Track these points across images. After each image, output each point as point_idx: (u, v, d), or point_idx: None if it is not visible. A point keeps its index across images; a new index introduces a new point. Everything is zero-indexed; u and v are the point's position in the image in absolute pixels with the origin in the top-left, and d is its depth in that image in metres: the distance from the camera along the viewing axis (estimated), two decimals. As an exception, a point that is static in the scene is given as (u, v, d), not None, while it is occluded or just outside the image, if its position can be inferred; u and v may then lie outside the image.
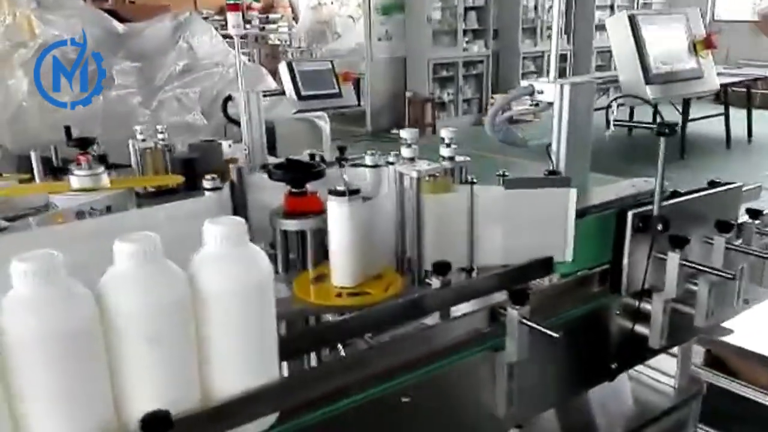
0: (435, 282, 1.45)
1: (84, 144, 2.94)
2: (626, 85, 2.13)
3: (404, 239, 1.61)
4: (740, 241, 1.74)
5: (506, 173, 1.62)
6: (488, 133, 1.97)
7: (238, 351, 0.97)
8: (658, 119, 1.64)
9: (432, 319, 1.47)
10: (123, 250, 0.88)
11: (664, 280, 1.55)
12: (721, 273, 1.49)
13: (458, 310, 1.53)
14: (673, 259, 1.52)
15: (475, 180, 1.57)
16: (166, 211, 1.46)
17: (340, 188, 1.46)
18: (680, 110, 7.62)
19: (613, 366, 1.61)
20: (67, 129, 3.47)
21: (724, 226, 1.62)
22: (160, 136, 3.11)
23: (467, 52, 10.99)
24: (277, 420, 1.04)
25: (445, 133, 1.68)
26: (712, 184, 1.76)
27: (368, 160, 1.78)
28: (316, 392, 1.10)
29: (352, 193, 1.46)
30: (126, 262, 0.89)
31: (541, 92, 1.93)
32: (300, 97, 3.51)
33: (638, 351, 1.63)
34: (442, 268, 1.45)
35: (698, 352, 1.91)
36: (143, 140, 3.15)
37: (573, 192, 1.59)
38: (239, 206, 1.71)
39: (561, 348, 1.49)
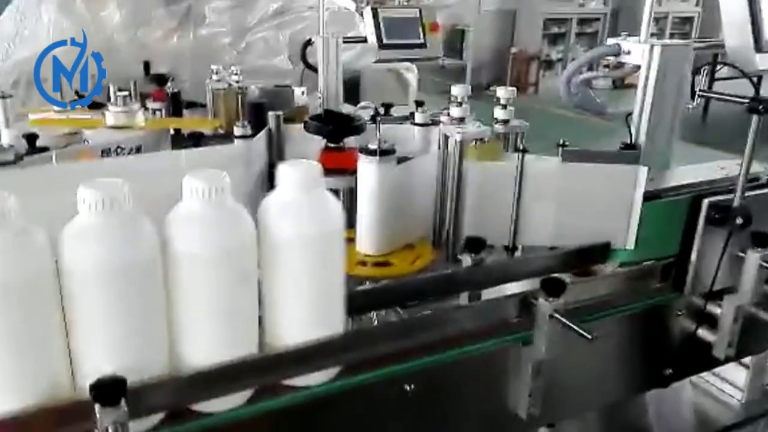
0: (466, 259, 1.31)
1: (160, 80, 2.93)
2: (733, 52, 1.84)
3: (443, 209, 1.47)
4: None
5: (566, 143, 1.43)
6: (562, 97, 1.76)
7: (307, 299, 0.96)
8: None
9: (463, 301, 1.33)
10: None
11: (739, 282, 1.32)
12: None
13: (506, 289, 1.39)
14: (753, 259, 1.29)
15: (527, 148, 1.38)
16: (190, 157, 1.38)
17: (372, 146, 1.33)
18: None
19: (668, 372, 1.41)
20: (146, 64, 3.49)
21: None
22: (234, 78, 3.07)
23: (584, 7, 10.33)
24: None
25: (501, 92, 1.49)
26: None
27: (418, 118, 1.63)
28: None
29: (385, 153, 1.32)
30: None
31: (629, 53, 1.68)
32: (381, 45, 3.35)
33: (700, 359, 1.42)
34: (475, 244, 1.31)
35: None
36: (218, 81, 3.13)
37: (643, 170, 1.38)
38: (275, 157, 1.62)
39: (606, 346, 1.32)
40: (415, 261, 1.38)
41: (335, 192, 1.52)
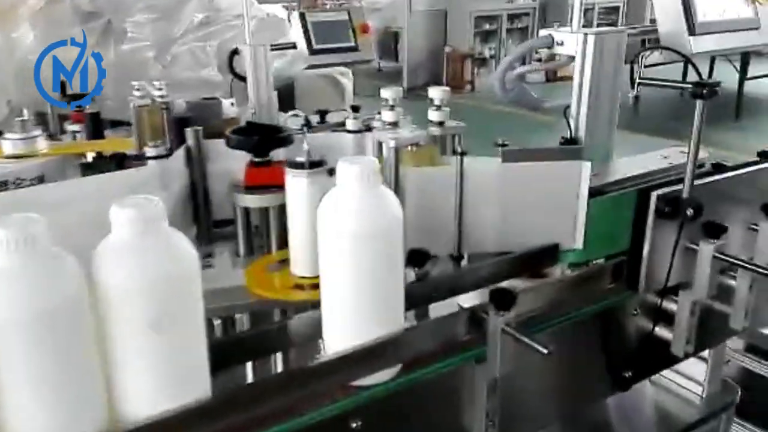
0: (409, 274, 1.21)
1: (77, 100, 2.74)
2: (666, 36, 1.81)
3: (383, 219, 1.37)
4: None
5: (506, 142, 1.36)
6: (497, 93, 1.69)
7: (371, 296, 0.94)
8: (707, 79, 1.34)
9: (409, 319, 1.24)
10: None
11: (694, 276, 1.27)
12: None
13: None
14: (707, 251, 1.24)
15: (465, 150, 1.30)
16: (96, 183, 1.24)
17: (300, 158, 1.22)
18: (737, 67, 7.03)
19: (628, 375, 1.35)
20: (62, 84, 3.29)
21: (773, 211, 1.32)
22: (157, 93, 2.92)
23: (512, 3, 10.44)
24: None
25: (434, 93, 1.40)
26: (763, 155, 1.45)
27: (350, 125, 1.53)
28: (241, 419, 0.89)
29: (314, 165, 1.21)
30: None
31: (562, 44, 1.62)
32: (312, 51, 3.25)
33: (659, 358, 1.37)
34: (418, 257, 1.21)
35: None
36: (141, 97, 2.97)
37: (586, 166, 1.31)
38: (198, 177, 1.49)
39: (562, 355, 1.25)
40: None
41: (264, 210, 1.41)
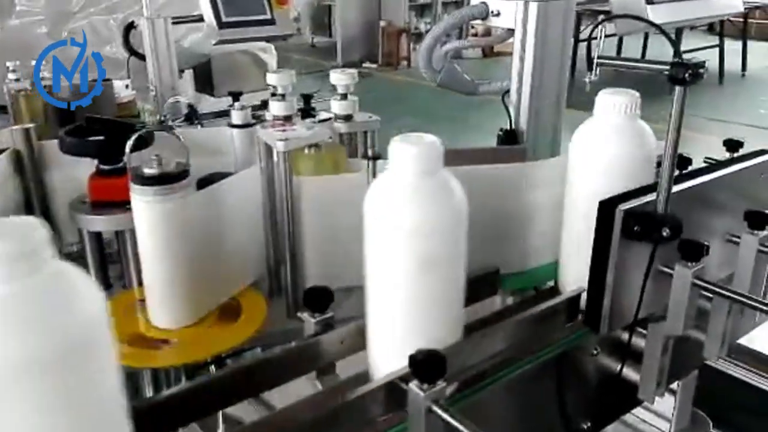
0: (307, 321, 0.91)
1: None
2: (620, 5, 1.54)
3: (277, 244, 1.05)
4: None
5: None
6: (422, 73, 1.38)
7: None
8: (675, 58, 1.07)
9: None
10: None
11: (666, 305, 1.01)
12: (757, 305, 0.95)
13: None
14: (684, 276, 0.97)
15: (379, 152, 0.99)
16: None
17: (148, 170, 0.89)
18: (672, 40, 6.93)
19: (586, 426, 1.09)
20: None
21: (758, 219, 1.07)
22: (43, 74, 2.54)
23: (447, -25, 10.15)
24: None
25: (336, 77, 1.08)
26: (730, 145, 1.21)
27: (236, 117, 1.20)
28: None
29: (165, 179, 0.89)
30: None
31: (497, 14, 1.33)
32: (221, 24, 2.86)
33: (624, 402, 1.11)
34: (318, 298, 0.91)
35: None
36: (16, 80, 2.57)
37: (532, 169, 1.03)
38: (33, 189, 1.14)
39: (509, 414, 0.98)
40: (237, 329, 0.96)
41: (119, 235, 1.08)
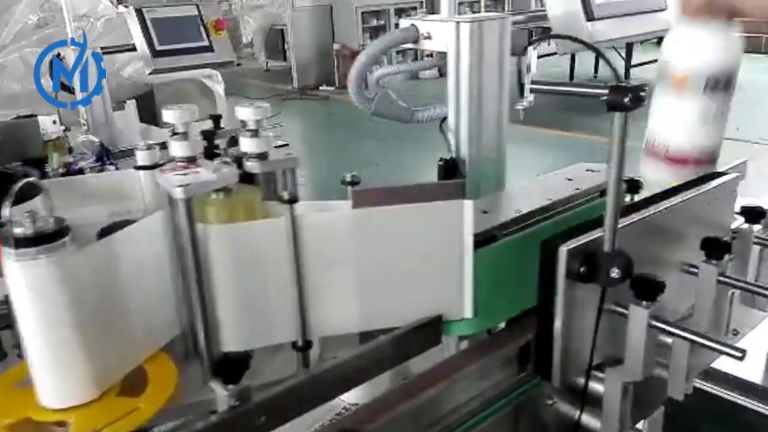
0: (219, 393, 0.79)
1: None
2: (559, 22, 1.47)
3: (188, 301, 0.93)
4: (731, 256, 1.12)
5: (355, 179, 0.96)
6: (354, 101, 1.28)
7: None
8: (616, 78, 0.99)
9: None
10: None
11: (622, 349, 0.92)
12: (717, 346, 0.86)
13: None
14: (640, 318, 0.88)
15: (296, 195, 0.88)
16: None
17: (18, 230, 0.76)
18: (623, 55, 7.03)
19: (545, 486, 0.99)
20: None
21: (715, 248, 0.99)
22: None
23: (399, -3, 10.18)
24: None
25: (243, 112, 0.97)
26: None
27: (141, 157, 1.08)
28: None
29: (41, 239, 0.76)
30: None
31: (428, 36, 1.24)
32: (155, 53, 2.72)
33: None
34: (231, 368, 0.79)
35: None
36: (-67, 119, 2.40)
37: (468, 206, 0.93)
38: None
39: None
40: (144, 403, 0.83)
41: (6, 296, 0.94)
